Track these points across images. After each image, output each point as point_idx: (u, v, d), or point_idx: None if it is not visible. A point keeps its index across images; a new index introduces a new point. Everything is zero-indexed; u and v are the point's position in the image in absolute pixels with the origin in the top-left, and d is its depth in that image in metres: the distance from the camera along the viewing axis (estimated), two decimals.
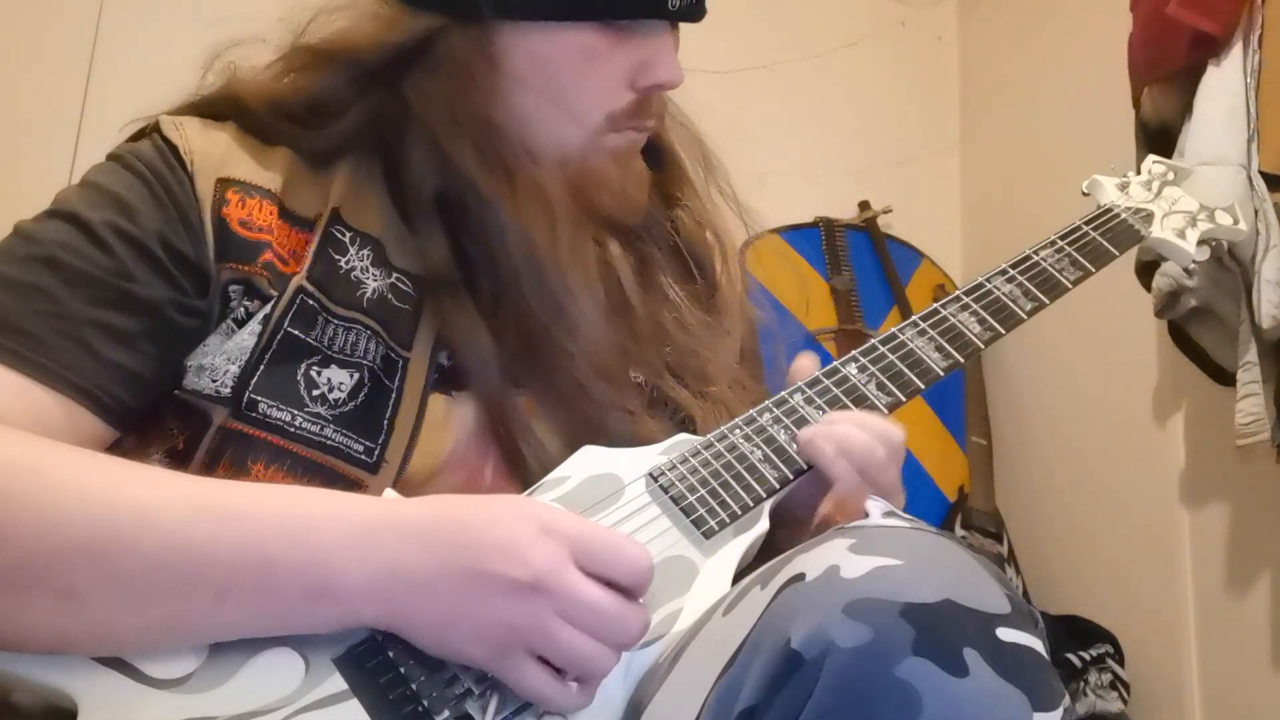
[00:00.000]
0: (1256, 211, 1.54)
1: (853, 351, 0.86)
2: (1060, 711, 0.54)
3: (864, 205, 2.46)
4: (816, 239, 2.38)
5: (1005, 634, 0.55)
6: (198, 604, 0.63)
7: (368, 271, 0.82)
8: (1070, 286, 0.92)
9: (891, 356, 0.85)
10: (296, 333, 0.78)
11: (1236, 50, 1.62)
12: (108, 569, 0.62)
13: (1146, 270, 1.72)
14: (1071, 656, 1.86)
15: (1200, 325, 1.70)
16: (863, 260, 2.38)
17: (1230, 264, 1.59)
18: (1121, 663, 1.89)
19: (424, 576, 0.64)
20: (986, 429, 2.30)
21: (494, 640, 0.64)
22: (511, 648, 0.64)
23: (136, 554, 0.63)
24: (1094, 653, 1.88)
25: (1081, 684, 1.85)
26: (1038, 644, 0.56)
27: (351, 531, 0.66)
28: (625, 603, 0.65)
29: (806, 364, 0.86)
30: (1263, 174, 1.55)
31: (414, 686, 0.65)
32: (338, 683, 0.64)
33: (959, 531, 2.12)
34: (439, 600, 0.64)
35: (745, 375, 0.92)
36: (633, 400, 0.84)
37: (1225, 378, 1.69)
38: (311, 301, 0.79)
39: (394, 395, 0.79)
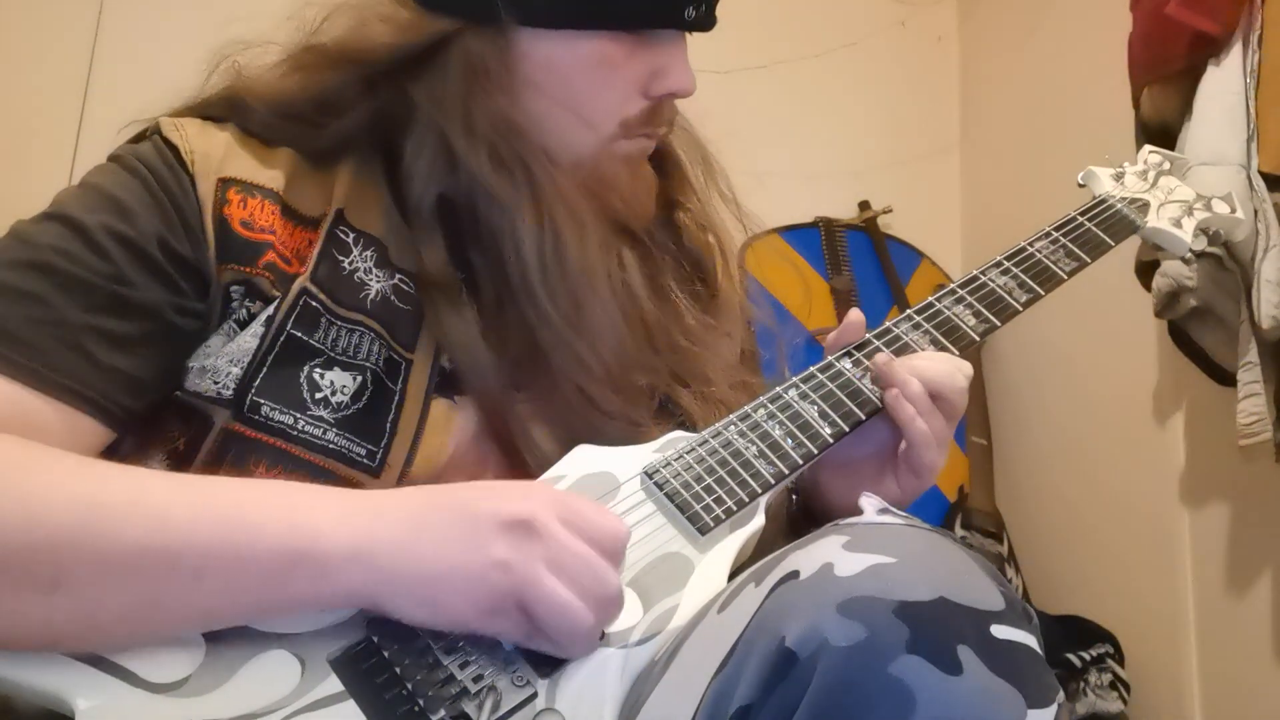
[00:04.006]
0: (1256, 212, 1.54)
1: (848, 345, 0.86)
2: (1054, 708, 0.54)
3: (864, 205, 2.46)
4: (816, 239, 2.38)
5: (999, 631, 0.55)
6: (178, 582, 0.63)
7: (371, 273, 0.82)
8: (1065, 277, 0.92)
9: (886, 351, 0.85)
10: (299, 334, 0.78)
11: (1236, 50, 1.62)
12: (92, 555, 0.63)
13: (1146, 270, 1.72)
14: (1071, 656, 1.86)
15: (1200, 325, 1.70)
16: (863, 260, 2.38)
17: (1230, 264, 1.58)
18: (1121, 663, 1.89)
19: (407, 536, 0.65)
20: (986, 429, 2.30)
21: (486, 590, 0.64)
22: (503, 599, 0.64)
23: (121, 538, 0.63)
24: (1094, 653, 1.88)
25: (1081, 684, 1.85)
26: (1032, 640, 0.56)
27: (332, 503, 0.67)
28: (607, 560, 0.66)
29: (855, 318, 0.87)
30: (1262, 174, 1.55)
31: (409, 686, 0.64)
32: (334, 684, 0.64)
33: (959, 531, 2.12)
34: (425, 558, 0.65)
35: (746, 376, 0.93)
36: (640, 409, 0.84)
37: (1225, 378, 1.69)
38: (314, 303, 0.79)
39: (397, 398, 0.79)
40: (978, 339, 0.88)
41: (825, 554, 0.58)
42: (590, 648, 0.67)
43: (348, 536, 0.65)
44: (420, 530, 0.66)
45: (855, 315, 0.87)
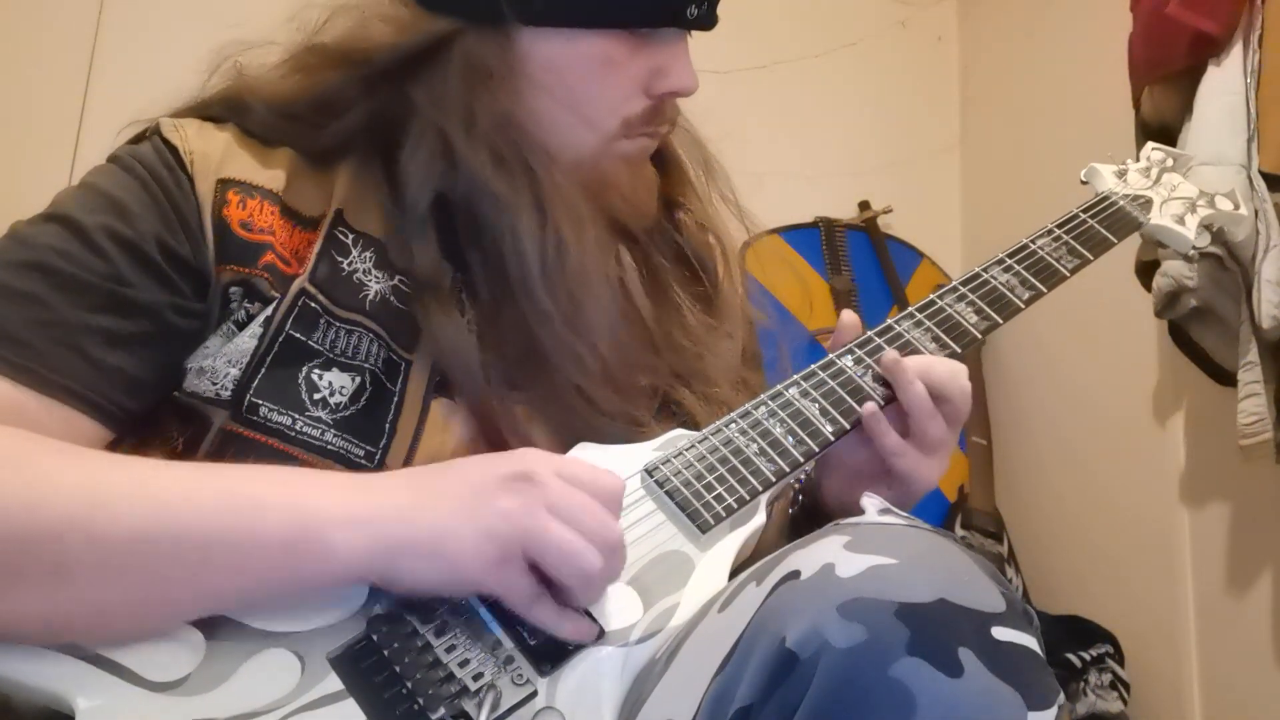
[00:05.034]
0: (1257, 212, 1.54)
1: (849, 344, 0.85)
2: (1055, 710, 0.54)
3: (864, 205, 2.46)
4: (816, 239, 2.38)
5: (1000, 633, 0.55)
6: (183, 565, 0.64)
7: (370, 274, 0.82)
8: (1068, 275, 0.92)
9: (888, 349, 0.85)
10: (298, 335, 0.78)
11: (1236, 50, 1.62)
12: (96, 539, 0.63)
13: (1146, 270, 1.72)
14: (1071, 656, 1.86)
15: (1200, 325, 1.70)
16: (863, 260, 2.38)
17: (1230, 264, 1.58)
18: (1121, 663, 1.89)
19: (409, 502, 0.66)
20: (986, 429, 2.30)
21: (492, 544, 0.65)
22: (510, 548, 0.65)
23: (123, 522, 0.63)
24: (1094, 653, 1.88)
25: (1081, 684, 1.85)
26: (1033, 642, 0.56)
27: (333, 481, 0.68)
28: (606, 508, 0.67)
29: (849, 320, 0.87)
30: (1263, 174, 1.55)
31: (409, 685, 0.64)
32: (334, 682, 0.64)
33: (959, 531, 2.12)
34: (429, 518, 0.66)
35: (748, 375, 0.92)
36: (640, 408, 0.84)
37: (1225, 378, 1.69)
38: (313, 304, 0.79)
39: (396, 399, 0.79)
40: (980, 336, 0.87)
41: (826, 554, 0.58)
42: (600, 595, 0.68)
43: (349, 508, 0.66)
44: (422, 496, 0.67)
45: (847, 317, 0.87)
